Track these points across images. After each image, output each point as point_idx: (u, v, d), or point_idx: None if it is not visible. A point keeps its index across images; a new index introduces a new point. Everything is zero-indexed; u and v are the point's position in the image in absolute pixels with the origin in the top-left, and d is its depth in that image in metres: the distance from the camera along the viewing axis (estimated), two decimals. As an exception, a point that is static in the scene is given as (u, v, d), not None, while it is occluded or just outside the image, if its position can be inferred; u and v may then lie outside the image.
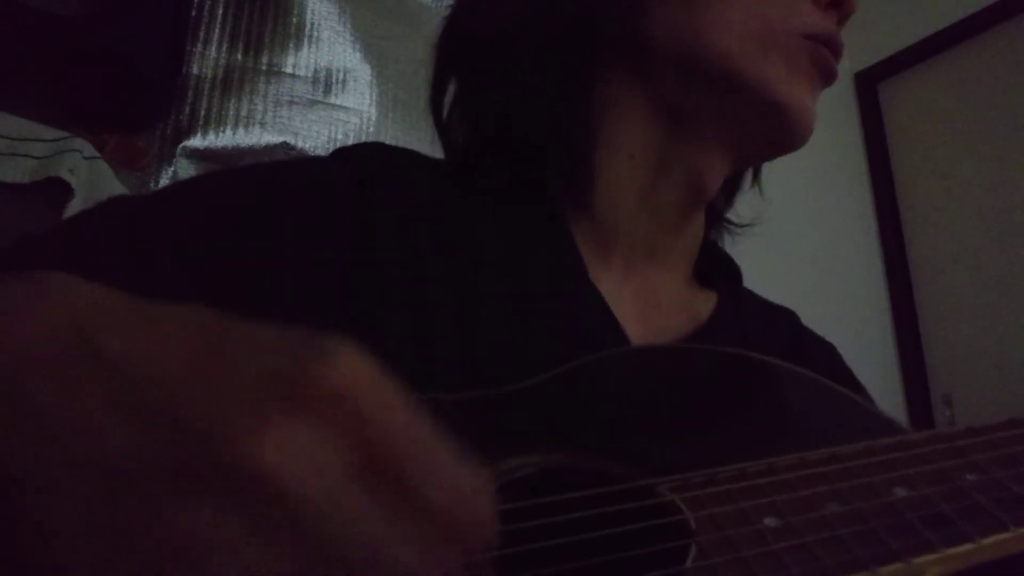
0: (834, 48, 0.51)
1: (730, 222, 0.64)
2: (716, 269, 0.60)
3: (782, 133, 0.51)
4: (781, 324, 0.61)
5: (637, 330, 0.49)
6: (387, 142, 1.71)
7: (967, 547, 0.30)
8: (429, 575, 0.21)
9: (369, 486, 0.21)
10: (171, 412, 0.20)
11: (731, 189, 0.63)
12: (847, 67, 2.80)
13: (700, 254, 0.59)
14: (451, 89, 0.58)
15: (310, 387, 0.21)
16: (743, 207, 0.65)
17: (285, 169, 0.51)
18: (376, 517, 0.21)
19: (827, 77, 0.52)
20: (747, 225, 0.64)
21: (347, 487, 0.20)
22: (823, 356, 0.60)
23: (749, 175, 0.64)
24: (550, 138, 0.51)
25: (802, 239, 2.43)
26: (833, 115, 2.70)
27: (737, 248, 0.65)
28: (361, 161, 0.50)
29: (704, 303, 0.56)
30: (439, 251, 0.46)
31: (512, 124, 0.52)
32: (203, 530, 0.19)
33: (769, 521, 0.32)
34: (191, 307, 0.23)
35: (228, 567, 0.19)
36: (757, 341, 0.55)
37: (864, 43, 2.74)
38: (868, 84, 2.76)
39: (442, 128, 0.58)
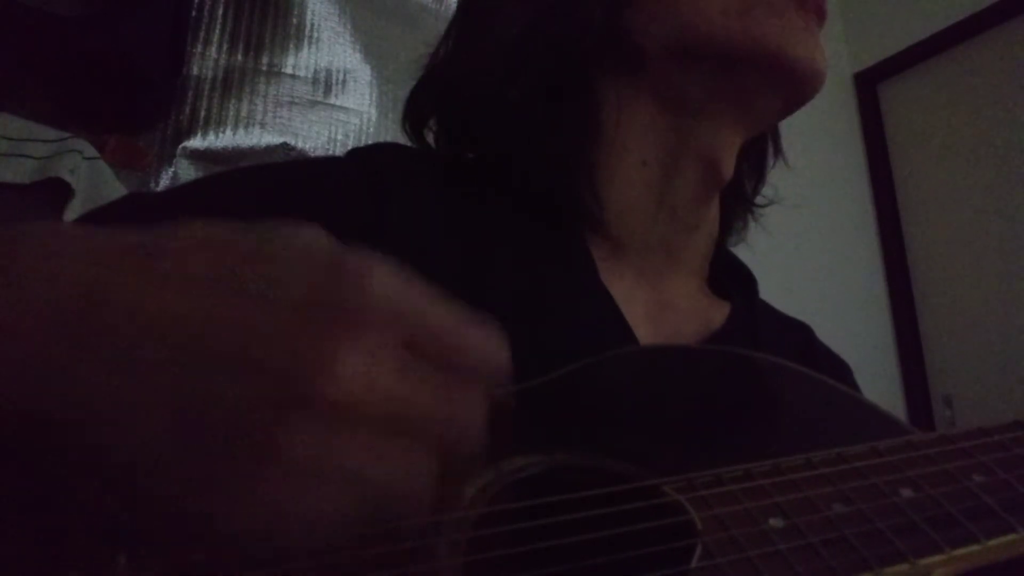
0: None
1: (754, 204, 0.63)
2: (731, 278, 0.60)
3: (794, 87, 0.50)
4: (795, 337, 0.60)
5: (648, 334, 0.49)
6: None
7: (973, 548, 0.30)
8: (472, 417, 0.27)
9: (416, 371, 0.26)
10: (234, 360, 0.23)
11: (759, 167, 0.62)
12: (847, 67, 2.80)
13: (716, 263, 0.59)
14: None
15: (354, 307, 0.25)
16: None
17: (299, 168, 0.51)
18: (428, 393, 0.26)
19: (819, 15, 0.51)
20: (768, 204, 0.64)
21: (401, 383, 0.25)
22: (834, 374, 0.60)
23: (771, 151, 0.63)
24: (554, 172, 0.50)
25: (802, 239, 2.43)
26: (833, 115, 2.70)
27: (737, 249, 0.64)
28: (374, 161, 0.50)
29: (717, 311, 0.55)
30: (449, 251, 0.46)
31: (518, 161, 0.51)
32: (304, 454, 0.23)
33: (774, 522, 0.32)
34: (196, 229, 0.27)
35: (334, 476, 0.23)
36: (769, 352, 0.54)
37: (864, 43, 2.74)
38: (868, 84, 2.76)
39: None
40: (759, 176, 0.63)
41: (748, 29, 0.48)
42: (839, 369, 0.61)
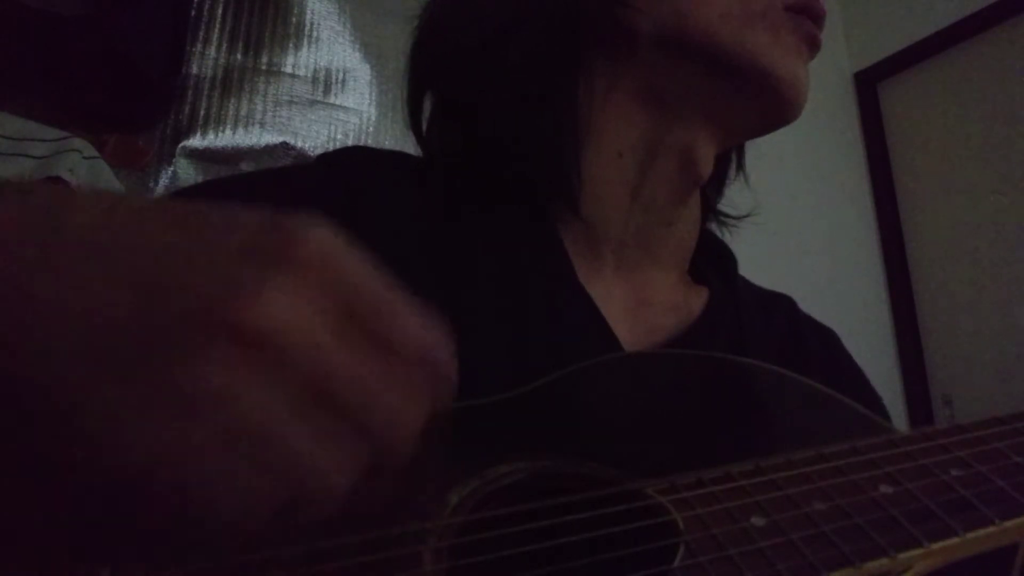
0: (815, 15, 0.51)
1: (724, 214, 0.63)
2: (709, 260, 0.59)
3: (775, 106, 0.50)
4: (778, 312, 0.60)
5: (628, 331, 0.49)
6: (387, 142, 1.71)
7: (952, 541, 0.31)
8: (406, 411, 0.24)
9: (347, 335, 0.23)
10: (165, 281, 0.22)
11: (719, 177, 0.62)
12: (847, 67, 2.80)
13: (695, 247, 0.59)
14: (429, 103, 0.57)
15: (291, 253, 0.23)
16: (740, 199, 0.64)
17: (268, 178, 0.50)
18: (357, 361, 0.23)
19: (812, 47, 0.51)
20: (744, 216, 0.64)
21: (330, 337, 0.23)
22: (823, 343, 0.60)
23: (733, 166, 0.63)
24: (537, 140, 0.50)
25: (802, 239, 2.43)
26: (833, 115, 2.70)
27: (737, 249, 0.64)
28: (345, 166, 0.50)
29: (697, 299, 0.55)
30: (426, 256, 0.46)
31: (498, 133, 0.51)
32: (210, 382, 0.21)
33: (756, 520, 0.32)
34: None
35: (237, 412, 0.21)
36: (753, 333, 0.54)
37: (864, 43, 2.74)
38: (868, 84, 2.76)
39: (423, 140, 0.58)
40: (718, 188, 0.62)
41: (743, 40, 0.48)
42: (826, 338, 0.60)
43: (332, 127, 1.89)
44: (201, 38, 1.75)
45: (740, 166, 0.63)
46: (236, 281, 0.22)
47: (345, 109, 1.91)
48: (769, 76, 0.49)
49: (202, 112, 1.72)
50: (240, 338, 0.21)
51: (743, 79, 0.49)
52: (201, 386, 0.21)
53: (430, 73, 0.56)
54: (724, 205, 0.63)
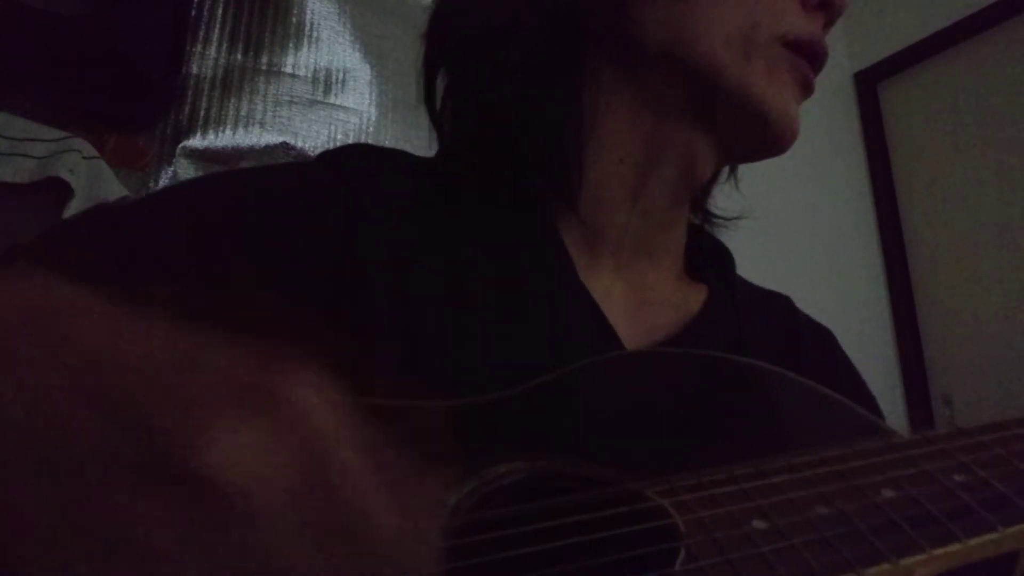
0: (816, 55, 0.51)
1: (714, 215, 0.63)
2: (706, 258, 0.59)
3: (764, 137, 0.51)
4: (776, 311, 0.60)
5: (628, 329, 0.49)
6: (387, 142, 1.70)
7: (954, 547, 0.31)
8: None
9: (311, 505, 0.20)
10: (134, 411, 0.20)
11: (710, 181, 0.62)
12: (847, 67, 2.80)
13: (691, 244, 0.59)
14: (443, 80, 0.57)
15: (270, 397, 0.21)
16: (729, 203, 0.64)
17: (269, 175, 0.50)
18: (313, 536, 0.20)
19: (805, 90, 0.52)
20: (734, 219, 0.64)
21: (290, 501, 0.20)
22: (820, 342, 0.60)
23: (725, 171, 0.63)
24: (538, 139, 0.50)
25: (802, 239, 2.43)
26: (833, 115, 2.70)
27: (737, 249, 0.64)
28: (346, 164, 0.50)
29: (695, 296, 0.55)
30: (426, 254, 0.46)
31: (500, 124, 0.51)
32: (147, 526, 0.19)
33: (757, 524, 0.32)
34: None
35: (165, 567, 0.19)
36: (751, 331, 0.54)
37: (864, 43, 2.74)
38: (868, 84, 2.76)
39: (436, 119, 0.58)
40: (707, 189, 0.62)
41: (741, 70, 0.49)
42: (823, 338, 0.60)
43: (332, 127, 1.89)
44: (201, 38, 1.75)
45: (732, 171, 0.63)
46: (198, 420, 0.20)
47: (345, 109, 1.91)
48: (758, 107, 0.49)
49: (202, 112, 1.72)
50: (184, 483, 0.19)
51: (735, 106, 0.50)
52: (131, 530, 0.19)
53: (442, 53, 0.56)
54: (714, 206, 0.63)
